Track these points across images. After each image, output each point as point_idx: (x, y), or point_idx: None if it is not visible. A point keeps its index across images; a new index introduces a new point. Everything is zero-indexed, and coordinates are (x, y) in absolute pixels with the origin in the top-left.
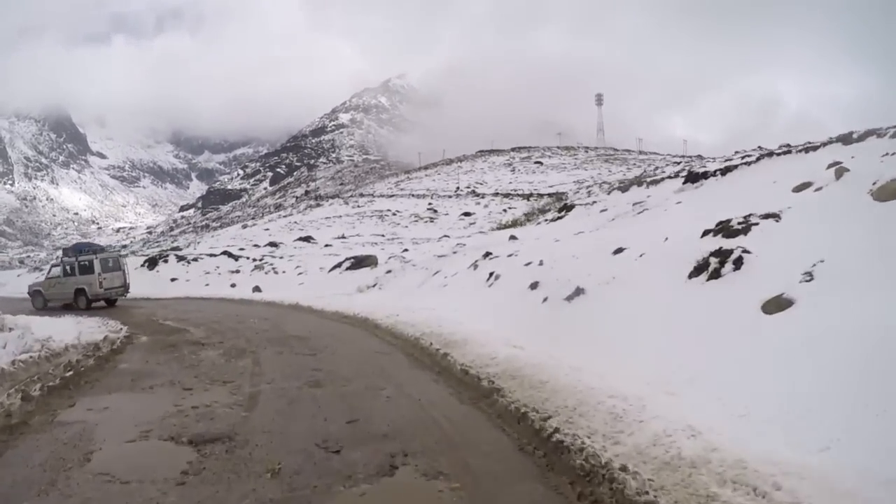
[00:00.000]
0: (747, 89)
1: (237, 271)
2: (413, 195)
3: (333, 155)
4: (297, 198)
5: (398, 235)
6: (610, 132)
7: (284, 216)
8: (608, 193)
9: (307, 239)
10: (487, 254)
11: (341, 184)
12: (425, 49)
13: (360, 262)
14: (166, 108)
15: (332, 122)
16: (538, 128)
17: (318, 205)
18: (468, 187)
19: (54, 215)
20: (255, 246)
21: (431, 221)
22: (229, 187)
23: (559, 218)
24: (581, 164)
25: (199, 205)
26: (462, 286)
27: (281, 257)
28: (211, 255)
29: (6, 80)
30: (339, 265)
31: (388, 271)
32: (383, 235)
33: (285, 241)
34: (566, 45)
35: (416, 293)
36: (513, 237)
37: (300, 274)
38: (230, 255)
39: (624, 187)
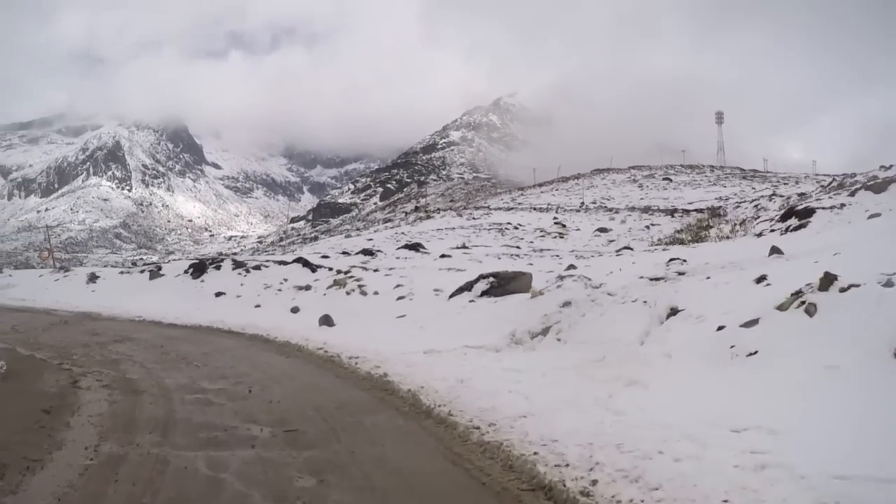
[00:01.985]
0: (868, 108)
1: (307, 287)
2: (535, 209)
3: (444, 172)
4: (406, 213)
5: (535, 248)
6: (728, 151)
7: (391, 227)
8: (837, 195)
9: (414, 247)
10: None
11: (451, 200)
12: (536, 65)
13: (504, 283)
14: (280, 122)
15: (443, 140)
16: (652, 146)
17: (429, 216)
18: (594, 203)
19: (169, 221)
20: (345, 254)
21: (561, 237)
22: (340, 201)
23: (799, 227)
24: (717, 181)
25: (310, 217)
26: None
27: (376, 270)
28: (281, 263)
29: (127, 92)
30: (467, 287)
31: (566, 304)
32: (518, 248)
33: (385, 250)
34: (678, 61)
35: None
36: (776, 251)
37: (401, 299)
38: (306, 263)
39: (878, 186)
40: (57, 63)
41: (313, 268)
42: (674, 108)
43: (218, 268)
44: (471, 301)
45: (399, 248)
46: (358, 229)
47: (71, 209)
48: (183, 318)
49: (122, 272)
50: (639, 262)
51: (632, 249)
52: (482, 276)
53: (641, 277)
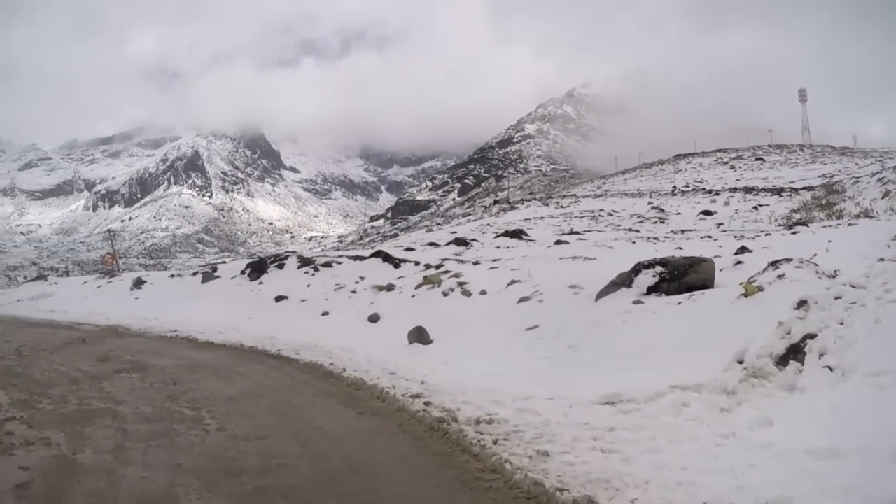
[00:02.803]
0: None
1: (389, 288)
2: (625, 195)
3: (521, 165)
4: (485, 207)
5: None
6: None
7: (474, 220)
8: None
9: (516, 235)
10: None
11: (530, 193)
12: (607, 54)
13: (678, 275)
14: (356, 124)
15: (519, 133)
16: (730, 128)
17: (513, 207)
18: (687, 186)
19: (250, 224)
20: (432, 245)
21: (661, 222)
22: (418, 198)
23: None
24: (814, 159)
25: (389, 215)
26: None
27: (476, 263)
28: (356, 259)
29: (204, 103)
30: (624, 281)
31: (801, 304)
32: (637, 231)
33: (481, 239)
34: (754, 40)
35: None
36: None
37: (525, 301)
38: (387, 257)
39: None
40: (135, 80)
41: (396, 262)
42: (751, 88)
43: (281, 266)
44: (636, 302)
45: (498, 237)
46: (438, 224)
47: (154, 217)
48: (227, 333)
49: (172, 276)
50: (839, 241)
51: (807, 226)
52: (642, 266)
53: (881, 260)
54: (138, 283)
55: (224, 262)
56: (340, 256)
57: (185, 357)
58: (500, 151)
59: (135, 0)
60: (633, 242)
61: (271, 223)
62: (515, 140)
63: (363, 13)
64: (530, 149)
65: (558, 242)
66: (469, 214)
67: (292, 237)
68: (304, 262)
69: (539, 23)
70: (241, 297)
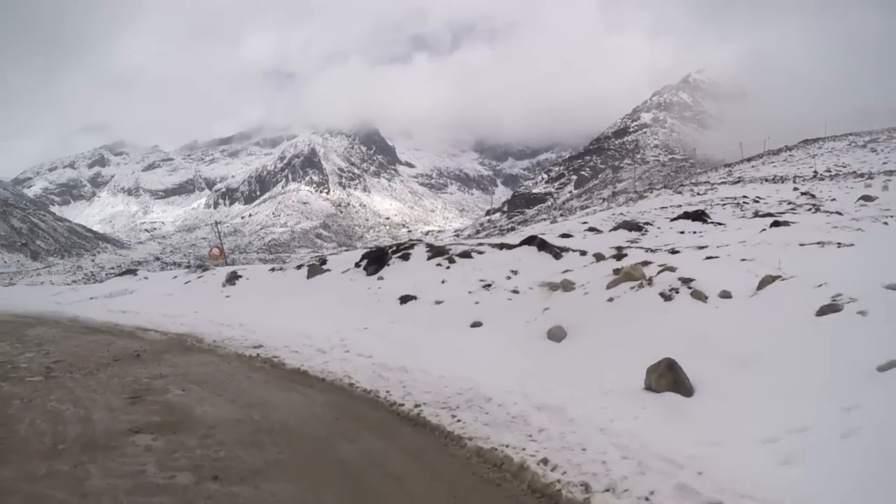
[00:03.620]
0: None
1: (567, 286)
2: (766, 181)
3: (638, 156)
4: (603, 199)
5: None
6: None
7: (601, 210)
8: None
9: (699, 217)
10: None
11: (649, 184)
12: (723, 37)
13: None
14: (469, 118)
15: (634, 123)
16: (854, 111)
17: (642, 196)
18: (828, 171)
19: (367, 219)
20: (593, 231)
21: (816, 209)
22: (534, 191)
23: None
24: None
25: (505, 208)
26: None
27: (674, 251)
28: (501, 247)
29: (319, 101)
30: None
31: None
32: (839, 213)
33: (658, 223)
34: (879, 21)
35: None
36: None
37: (829, 312)
38: (543, 245)
39: None
40: (251, 82)
41: (556, 251)
42: (878, 68)
43: (405, 257)
44: None
45: (675, 220)
46: (561, 216)
47: (273, 213)
48: (332, 355)
49: (273, 269)
50: None
51: None
52: None
53: None
54: (232, 278)
55: (336, 253)
56: (480, 245)
57: (253, 403)
58: (616, 142)
59: (249, 4)
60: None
61: (388, 218)
62: (631, 130)
63: (472, 6)
64: (647, 138)
65: (776, 224)
66: (587, 207)
67: (409, 231)
68: (436, 251)
69: (651, 7)
70: (354, 297)
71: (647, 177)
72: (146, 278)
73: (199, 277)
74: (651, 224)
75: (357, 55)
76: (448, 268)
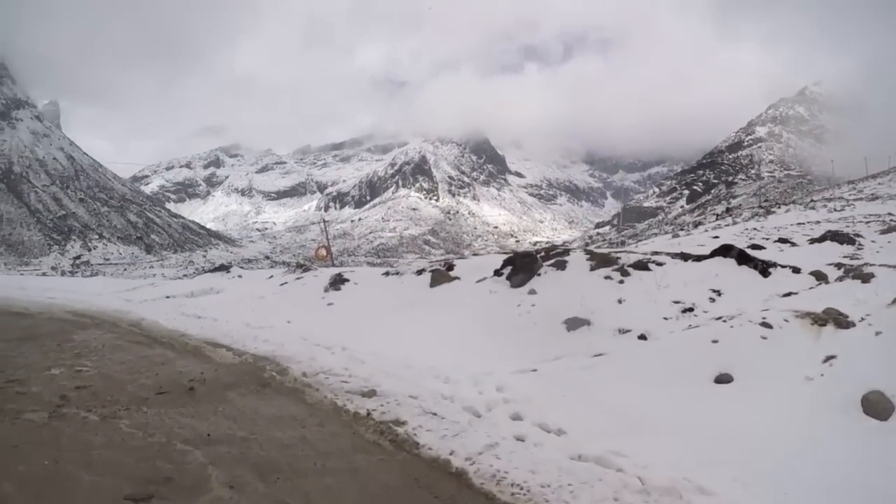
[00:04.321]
0: None
1: (844, 323)
2: None
3: (752, 171)
4: (717, 215)
5: None
6: None
7: (726, 225)
8: None
9: None
10: None
11: (765, 200)
12: (841, 49)
13: None
14: (580, 129)
15: (749, 137)
16: None
17: (769, 211)
18: None
19: (475, 228)
20: (783, 241)
21: None
22: (645, 205)
23: None
24: None
25: (615, 222)
26: None
27: None
28: (687, 258)
29: (430, 109)
30: None
31: None
32: None
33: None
34: None
35: None
36: None
37: None
38: (744, 257)
39: None
40: (363, 89)
41: (762, 267)
42: None
43: (560, 265)
44: None
45: (885, 233)
46: (682, 230)
47: (382, 218)
48: (495, 419)
49: (387, 273)
50: None
51: None
52: None
53: None
54: (337, 282)
55: (464, 257)
56: (656, 253)
57: None
58: (730, 156)
59: (362, 12)
60: None
61: (496, 227)
62: (745, 144)
63: (584, 16)
64: (761, 153)
65: None
66: (700, 223)
67: (517, 242)
68: (601, 260)
69: (766, 17)
70: (498, 316)
71: (763, 193)
72: (239, 276)
73: (299, 279)
74: (861, 236)
75: (468, 64)
76: (621, 282)
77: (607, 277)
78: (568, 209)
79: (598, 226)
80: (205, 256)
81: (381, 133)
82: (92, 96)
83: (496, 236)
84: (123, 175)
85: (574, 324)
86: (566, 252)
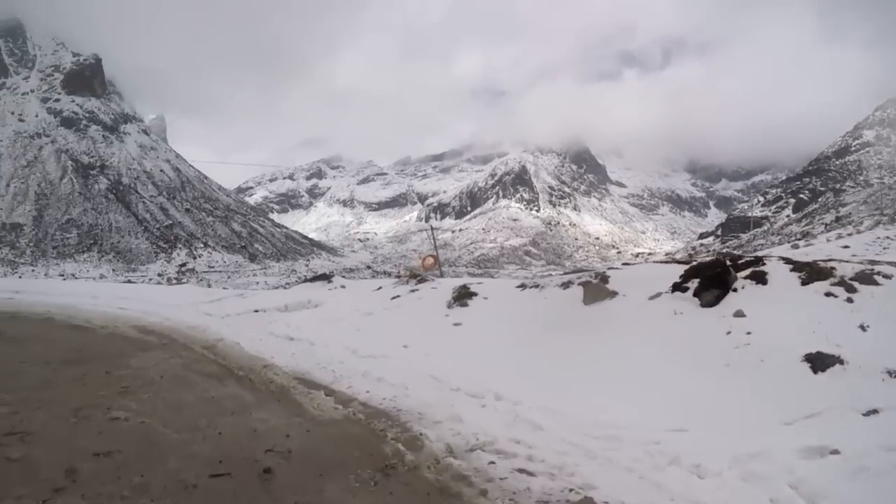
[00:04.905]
0: None
1: None
2: None
3: (861, 177)
4: (825, 224)
5: None
6: None
7: (848, 234)
8: None
9: None
10: None
11: (877, 209)
12: None
13: None
14: (681, 137)
15: (856, 141)
16: None
17: (893, 219)
18: None
19: (576, 239)
20: None
21: None
22: (749, 215)
23: None
24: None
25: (718, 232)
26: None
27: None
28: None
29: (528, 119)
30: None
31: None
32: None
33: None
34: None
35: None
36: None
37: None
38: None
39: None
40: (462, 100)
41: None
42: None
43: (759, 279)
44: None
45: None
46: (795, 241)
47: (483, 229)
48: None
49: (521, 286)
50: None
51: None
52: None
53: None
54: (463, 295)
55: (614, 268)
56: (875, 262)
57: None
58: (837, 162)
59: (459, 23)
60: None
61: (597, 238)
62: (853, 148)
63: (682, 20)
64: (869, 158)
65: None
66: (808, 233)
67: (619, 253)
68: (813, 272)
69: (871, 17)
70: (700, 350)
71: (875, 201)
72: (342, 287)
73: (413, 291)
74: None
75: (566, 72)
76: (850, 300)
77: (829, 294)
78: (670, 219)
79: (701, 236)
80: (307, 265)
81: (480, 143)
82: (197, 110)
83: (597, 247)
84: (228, 187)
85: (821, 362)
86: (759, 261)
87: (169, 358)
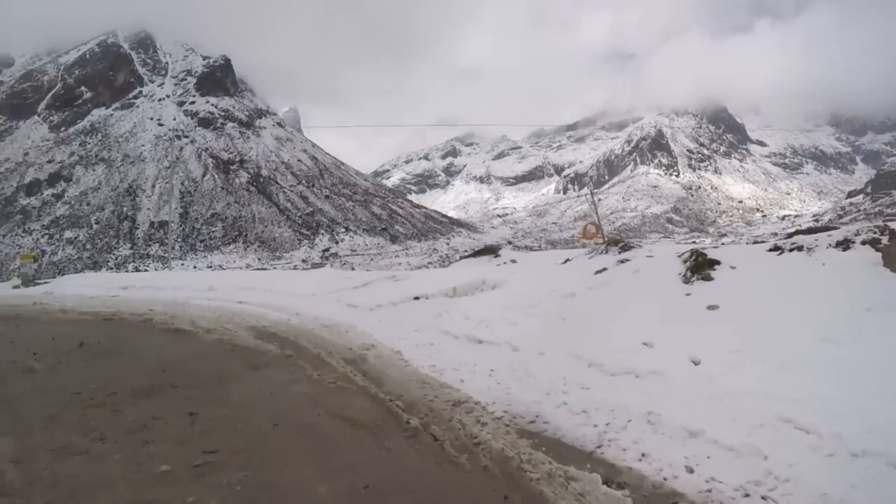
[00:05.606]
0: None
1: None
2: None
3: None
4: None
5: None
6: None
7: None
8: None
9: None
10: None
11: None
12: None
13: None
14: (821, 89)
15: None
16: None
17: None
18: None
19: (719, 203)
20: None
21: None
22: None
23: None
24: None
25: (868, 189)
26: None
27: None
28: None
29: (661, 81)
30: None
31: None
32: None
33: None
34: None
35: None
36: None
37: None
38: None
39: None
40: (591, 66)
41: None
42: None
43: None
44: None
45: None
46: None
47: (622, 198)
48: None
49: (776, 249)
50: None
51: None
52: None
53: None
54: (701, 266)
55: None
56: None
57: None
58: None
59: None
60: None
61: (741, 201)
62: None
63: None
64: None
65: None
66: None
67: (763, 216)
68: None
69: None
70: None
71: None
72: (512, 261)
73: (623, 263)
74: None
75: (695, 28)
76: None
77: None
78: (815, 178)
79: (849, 195)
80: (448, 244)
81: (613, 110)
82: (329, 98)
83: (741, 211)
84: (365, 171)
85: None
86: None
87: (291, 383)
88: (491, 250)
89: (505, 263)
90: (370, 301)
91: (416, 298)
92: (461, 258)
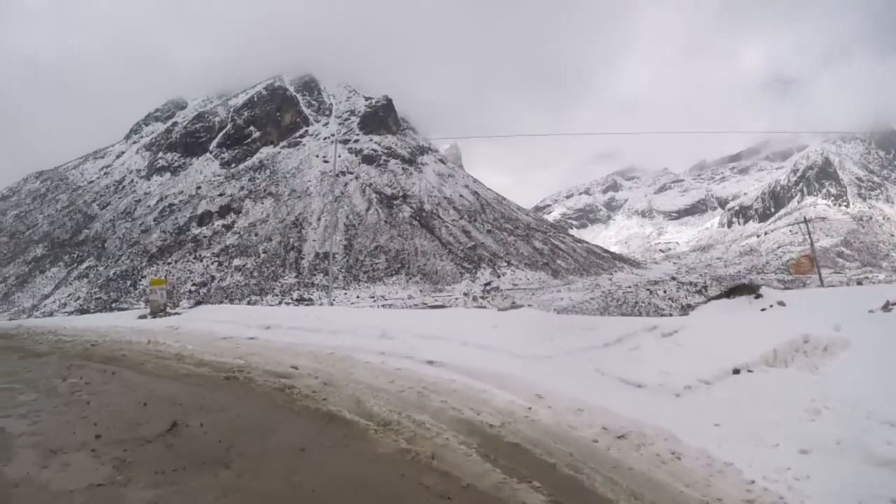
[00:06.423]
0: None
1: None
2: None
3: None
4: None
5: None
6: None
7: None
8: None
9: None
10: None
11: None
12: None
13: None
14: None
15: None
16: None
17: None
18: None
19: (892, 235)
20: None
21: None
22: None
23: None
24: None
25: None
26: None
27: None
28: None
29: (824, 105)
30: None
31: None
32: None
33: None
34: None
35: None
36: None
37: None
38: None
39: None
40: (751, 94)
41: None
42: None
43: None
44: None
45: None
46: None
47: (790, 231)
48: None
49: None
50: None
51: None
52: None
53: None
54: None
55: None
56: None
57: None
58: None
59: (735, 12)
60: None
61: None
62: None
63: None
64: None
65: None
66: None
67: None
68: None
69: None
70: None
71: None
72: (779, 303)
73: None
74: None
75: (859, 47)
76: None
77: None
78: None
79: None
80: (610, 279)
81: (777, 138)
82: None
83: None
84: (526, 206)
85: None
86: None
87: None
88: (748, 289)
89: (768, 307)
90: (659, 376)
91: (737, 372)
92: (711, 299)
